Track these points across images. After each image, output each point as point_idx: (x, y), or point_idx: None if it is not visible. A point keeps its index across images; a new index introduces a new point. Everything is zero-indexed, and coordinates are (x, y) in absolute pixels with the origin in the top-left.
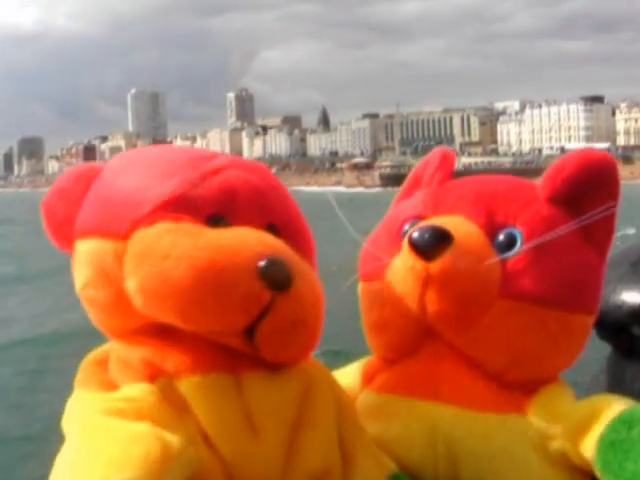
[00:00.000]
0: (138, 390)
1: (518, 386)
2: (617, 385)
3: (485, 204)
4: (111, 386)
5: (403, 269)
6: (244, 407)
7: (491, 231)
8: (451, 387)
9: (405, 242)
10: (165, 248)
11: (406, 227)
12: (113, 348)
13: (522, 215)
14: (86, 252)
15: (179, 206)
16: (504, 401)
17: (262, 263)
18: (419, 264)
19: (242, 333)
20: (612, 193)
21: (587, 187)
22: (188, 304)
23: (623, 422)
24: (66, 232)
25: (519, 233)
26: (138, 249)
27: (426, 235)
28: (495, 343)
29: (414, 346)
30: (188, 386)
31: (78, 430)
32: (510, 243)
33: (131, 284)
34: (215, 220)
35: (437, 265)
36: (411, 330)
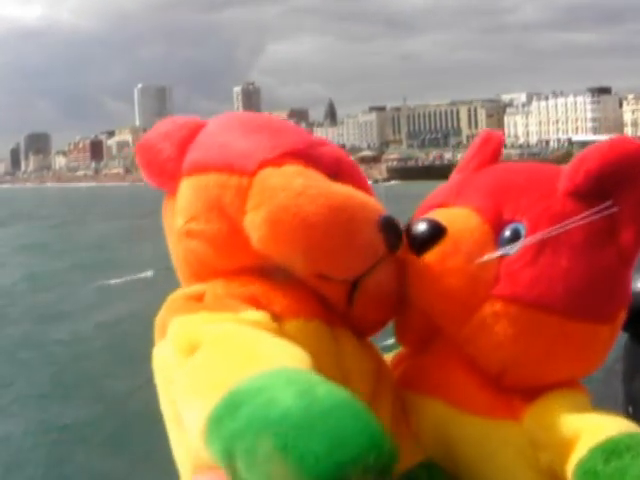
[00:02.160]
0: (261, 315)
1: (518, 391)
2: (634, 374)
3: (497, 197)
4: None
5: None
6: (340, 361)
7: (498, 226)
8: (452, 387)
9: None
10: (300, 186)
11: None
12: (210, 287)
13: (532, 210)
14: (199, 187)
15: (304, 157)
16: (501, 406)
17: (383, 218)
18: (410, 257)
19: (349, 284)
20: None
21: (613, 181)
22: (316, 241)
23: (603, 452)
24: (170, 170)
25: (524, 229)
26: (270, 184)
27: (419, 228)
28: (488, 345)
29: (424, 338)
30: (291, 328)
31: (221, 336)
32: (516, 240)
33: (257, 216)
34: (331, 178)
35: (424, 260)
36: (416, 321)
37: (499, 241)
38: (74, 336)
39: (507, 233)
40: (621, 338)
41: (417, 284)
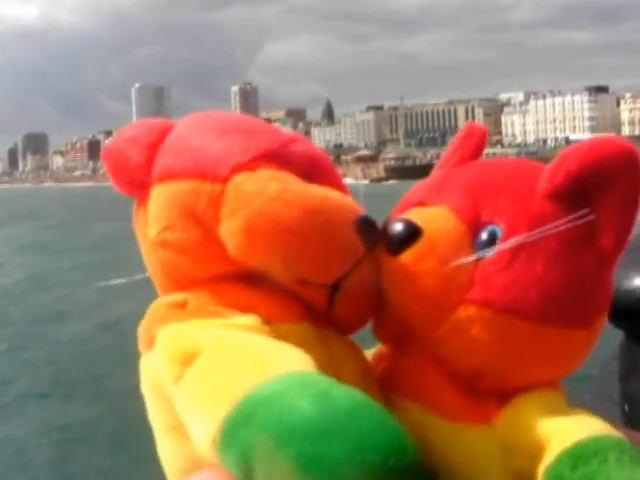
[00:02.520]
0: (251, 319)
1: (492, 395)
2: (630, 372)
3: (475, 196)
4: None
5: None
6: (331, 362)
7: (475, 227)
8: (427, 391)
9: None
10: (274, 191)
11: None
12: (192, 295)
13: (509, 211)
14: (171, 195)
15: (277, 159)
16: (474, 410)
17: (360, 218)
18: (387, 257)
19: (329, 287)
20: (629, 191)
21: (593, 183)
22: (293, 246)
23: (570, 457)
24: (139, 177)
25: (501, 232)
26: (244, 189)
27: (396, 228)
28: (462, 348)
29: (401, 338)
30: (281, 331)
31: (221, 342)
32: (493, 242)
33: (233, 224)
34: (305, 179)
35: (399, 261)
36: (393, 321)
37: (476, 243)
38: (74, 336)
39: (484, 236)
40: (617, 336)
41: (392, 284)
